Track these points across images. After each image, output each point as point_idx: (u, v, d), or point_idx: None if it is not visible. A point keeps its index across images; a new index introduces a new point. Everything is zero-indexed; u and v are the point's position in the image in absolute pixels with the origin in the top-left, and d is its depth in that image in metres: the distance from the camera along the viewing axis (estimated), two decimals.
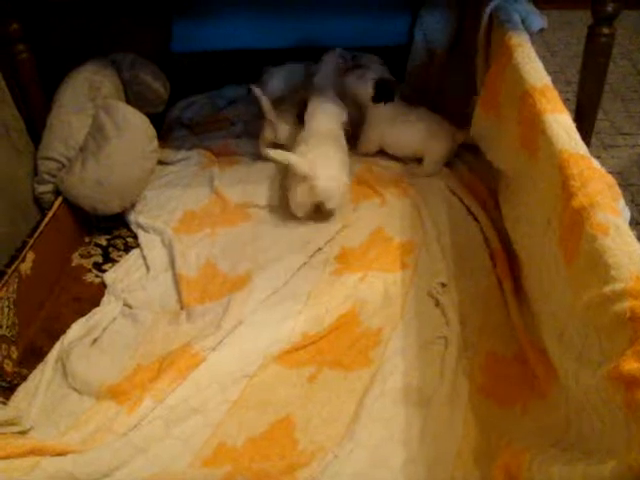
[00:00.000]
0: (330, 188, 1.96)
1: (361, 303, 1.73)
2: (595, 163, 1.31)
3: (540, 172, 1.50)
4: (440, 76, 2.56)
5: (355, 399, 1.48)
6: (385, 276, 1.81)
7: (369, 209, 2.12)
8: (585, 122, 1.90)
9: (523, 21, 1.94)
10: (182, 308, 1.80)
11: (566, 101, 1.56)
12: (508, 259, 1.80)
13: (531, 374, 1.47)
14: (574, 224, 1.22)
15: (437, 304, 1.72)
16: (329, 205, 2.00)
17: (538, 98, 1.55)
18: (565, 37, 3.57)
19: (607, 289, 1.06)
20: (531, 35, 1.89)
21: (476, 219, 2.01)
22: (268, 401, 1.51)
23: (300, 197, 1.99)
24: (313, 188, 1.94)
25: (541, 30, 1.97)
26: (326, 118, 2.15)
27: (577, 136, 1.40)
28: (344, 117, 2.19)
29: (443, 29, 2.57)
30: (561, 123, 1.44)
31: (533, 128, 1.53)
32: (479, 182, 2.16)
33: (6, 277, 1.71)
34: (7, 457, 1.31)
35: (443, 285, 1.76)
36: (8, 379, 1.63)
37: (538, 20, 1.96)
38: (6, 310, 1.68)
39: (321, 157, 1.98)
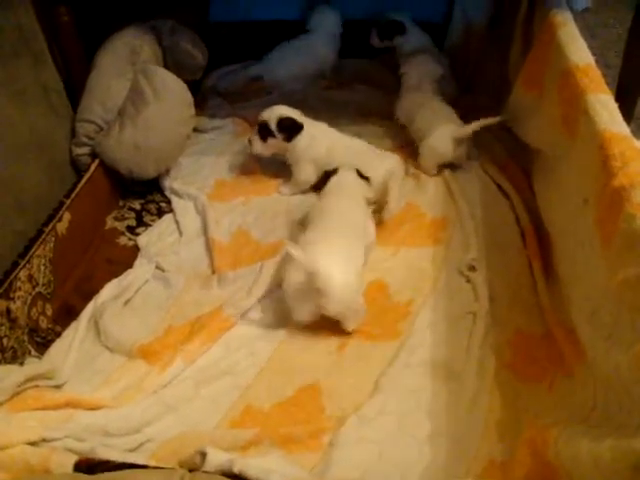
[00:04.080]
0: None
1: (392, 276, 1.75)
2: (637, 144, 1.30)
3: (579, 152, 1.49)
4: (478, 53, 2.54)
5: (383, 369, 1.50)
6: (417, 251, 1.83)
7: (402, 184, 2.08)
8: (625, 106, 1.87)
9: (567, 0, 1.91)
10: (213, 273, 1.83)
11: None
12: (538, 238, 1.80)
13: (558, 353, 1.47)
14: (613, 204, 1.21)
15: (468, 280, 1.72)
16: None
17: (581, 77, 1.53)
18: (606, 19, 3.51)
19: None
20: (574, 14, 1.87)
21: (508, 198, 2.01)
22: (296, 367, 1.53)
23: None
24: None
25: (585, 9, 1.95)
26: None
27: (619, 117, 1.39)
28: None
29: (482, 6, 2.53)
30: (604, 103, 1.43)
31: (574, 107, 1.52)
32: (512, 161, 2.15)
33: (44, 235, 1.74)
34: (43, 408, 1.35)
35: (474, 268, 1.75)
36: (43, 335, 1.67)
37: None
38: (42, 268, 1.72)
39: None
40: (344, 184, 1.85)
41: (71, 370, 1.55)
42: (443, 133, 2.10)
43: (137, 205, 2.18)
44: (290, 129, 2.05)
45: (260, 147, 2.10)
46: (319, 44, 2.73)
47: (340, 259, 1.55)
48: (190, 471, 1.14)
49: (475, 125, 2.06)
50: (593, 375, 1.27)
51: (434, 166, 2.16)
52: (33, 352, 1.61)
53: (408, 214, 1.97)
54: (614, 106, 1.43)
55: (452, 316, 1.63)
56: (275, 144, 2.08)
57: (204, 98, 2.68)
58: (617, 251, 1.19)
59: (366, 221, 1.79)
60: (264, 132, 2.07)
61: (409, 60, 2.40)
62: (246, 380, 1.51)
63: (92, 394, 1.47)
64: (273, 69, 2.73)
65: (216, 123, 2.51)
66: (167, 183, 2.19)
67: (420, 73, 2.34)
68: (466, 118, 2.20)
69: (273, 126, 2.05)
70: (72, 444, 1.28)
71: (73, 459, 1.16)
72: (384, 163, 1.98)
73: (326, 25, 2.71)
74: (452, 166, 2.16)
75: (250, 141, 2.11)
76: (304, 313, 1.57)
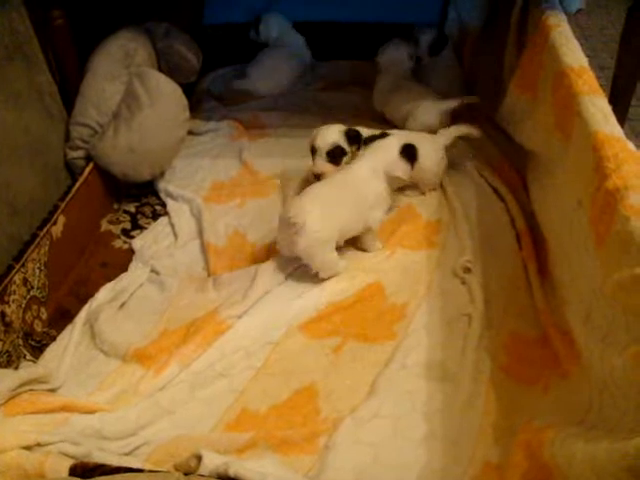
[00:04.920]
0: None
1: (388, 278, 1.75)
2: (631, 146, 1.30)
3: (573, 153, 1.49)
4: (473, 55, 2.54)
5: (379, 371, 1.50)
6: (413, 253, 1.83)
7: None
8: (619, 107, 1.88)
9: (561, 1, 1.91)
10: (209, 276, 1.83)
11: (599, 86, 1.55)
12: (533, 240, 1.80)
13: (553, 355, 1.47)
14: (607, 205, 1.22)
15: (463, 282, 1.72)
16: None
17: (574, 79, 1.53)
18: (599, 21, 3.52)
19: (638, 270, 1.06)
20: (568, 16, 1.87)
21: (503, 200, 2.01)
22: (292, 369, 1.53)
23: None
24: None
25: (579, 10, 1.95)
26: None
27: (613, 118, 1.39)
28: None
29: (477, 7, 2.54)
30: (597, 105, 1.42)
31: (568, 109, 1.52)
32: (507, 163, 2.15)
33: (38, 239, 1.74)
34: (38, 412, 1.34)
35: (469, 269, 1.76)
36: (38, 339, 1.67)
37: (576, 0, 1.94)
38: (37, 272, 1.72)
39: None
40: (379, 150, 1.84)
41: (66, 374, 1.55)
42: (428, 106, 2.21)
43: (132, 208, 2.17)
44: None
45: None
46: (281, 54, 2.79)
47: (323, 211, 1.67)
48: (186, 474, 1.14)
49: (458, 101, 2.19)
50: (588, 377, 1.27)
51: None
52: (28, 356, 1.60)
53: (404, 215, 1.98)
54: (608, 108, 1.43)
55: (447, 318, 1.63)
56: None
57: (199, 101, 2.69)
58: (611, 253, 1.19)
59: (376, 205, 1.80)
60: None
61: (383, 49, 2.44)
62: (242, 383, 1.51)
63: (87, 398, 1.47)
64: (255, 84, 2.74)
65: (211, 126, 2.50)
66: (162, 186, 2.19)
67: (391, 56, 2.40)
68: (463, 119, 2.20)
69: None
70: (67, 448, 1.27)
71: (68, 463, 1.16)
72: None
73: (274, 33, 2.78)
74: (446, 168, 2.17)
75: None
76: (282, 245, 1.72)
